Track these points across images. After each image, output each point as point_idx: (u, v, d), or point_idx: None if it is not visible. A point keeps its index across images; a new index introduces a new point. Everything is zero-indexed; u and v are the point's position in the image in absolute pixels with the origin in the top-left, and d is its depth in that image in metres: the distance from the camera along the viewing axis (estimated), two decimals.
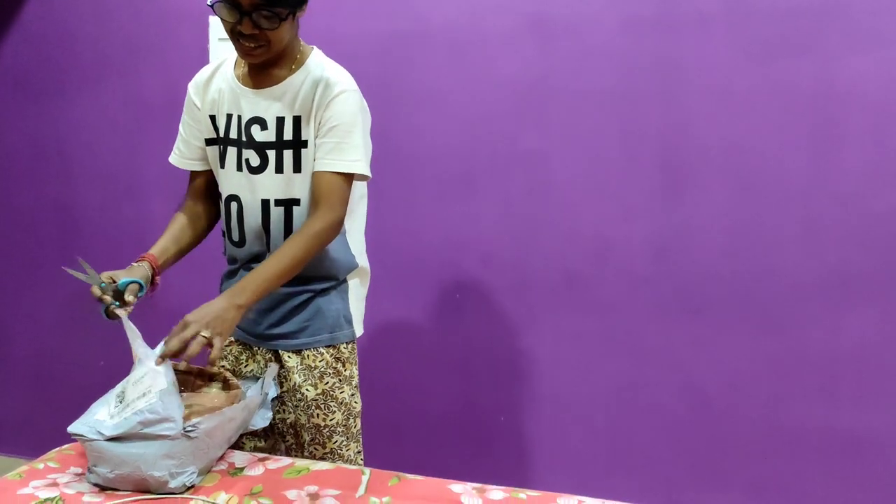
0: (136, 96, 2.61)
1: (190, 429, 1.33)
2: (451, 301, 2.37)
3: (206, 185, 1.76)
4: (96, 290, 1.49)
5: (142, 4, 2.55)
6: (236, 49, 1.56)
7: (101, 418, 1.36)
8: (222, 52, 2.41)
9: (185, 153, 1.74)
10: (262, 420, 1.56)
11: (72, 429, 1.34)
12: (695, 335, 2.18)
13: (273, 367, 1.60)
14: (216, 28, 2.42)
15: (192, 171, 1.76)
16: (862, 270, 2.03)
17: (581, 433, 2.31)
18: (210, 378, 1.58)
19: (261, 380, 1.59)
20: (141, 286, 1.52)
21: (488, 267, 2.32)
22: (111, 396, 1.41)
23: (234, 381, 1.55)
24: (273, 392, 1.61)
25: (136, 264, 1.58)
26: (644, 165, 2.16)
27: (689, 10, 2.08)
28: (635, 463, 2.28)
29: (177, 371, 1.55)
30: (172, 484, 1.33)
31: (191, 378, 1.55)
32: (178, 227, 1.71)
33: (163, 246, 1.65)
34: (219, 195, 1.73)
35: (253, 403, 1.50)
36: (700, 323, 2.17)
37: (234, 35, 1.51)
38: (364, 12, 2.32)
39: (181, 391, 1.48)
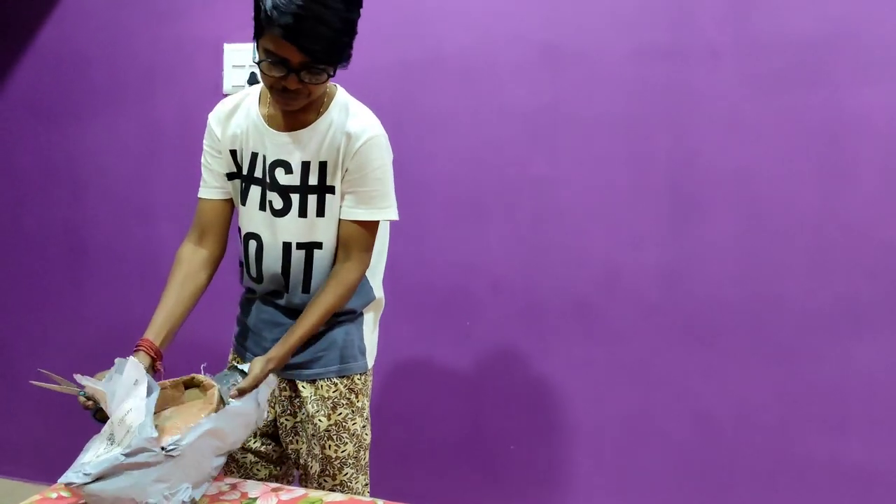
0: (150, 122, 2.63)
1: (171, 448, 1.31)
2: (460, 327, 2.37)
3: (220, 217, 1.71)
4: (82, 399, 1.44)
5: (157, 31, 2.58)
6: (274, 97, 1.52)
7: (87, 461, 1.35)
8: (236, 78, 2.44)
9: (212, 183, 1.69)
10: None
11: (62, 479, 1.33)
12: (704, 364, 2.18)
13: (272, 379, 1.54)
14: (231, 55, 2.44)
15: (205, 201, 1.70)
16: (872, 301, 2.03)
17: (591, 461, 2.30)
18: (186, 386, 1.54)
19: (255, 391, 1.49)
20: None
21: (498, 293, 2.33)
22: (99, 439, 1.40)
23: (207, 381, 1.49)
24: (265, 391, 1.55)
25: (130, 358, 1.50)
26: (654, 193, 2.17)
27: (699, 39, 2.09)
28: (645, 492, 2.26)
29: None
30: None
31: (167, 391, 1.49)
32: (183, 283, 1.64)
33: (161, 322, 1.57)
34: (227, 229, 1.72)
35: (242, 412, 1.44)
36: (709, 351, 2.17)
37: (277, 88, 1.48)
38: (376, 40, 2.34)
39: (165, 408, 1.46)
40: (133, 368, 1.37)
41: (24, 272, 2.88)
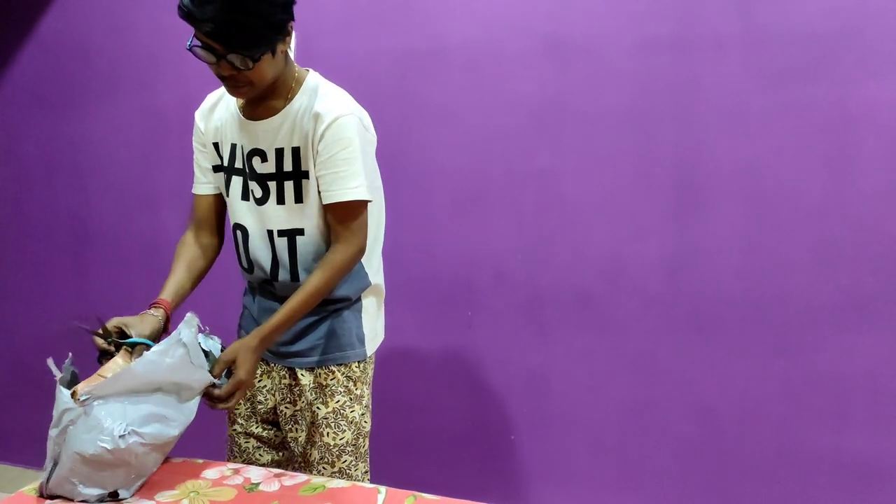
0: (152, 109, 2.63)
1: (84, 397, 1.34)
2: (462, 318, 2.38)
3: (212, 211, 1.75)
4: (100, 342, 1.47)
5: (159, 19, 2.58)
6: (225, 88, 1.54)
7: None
8: None
9: (201, 179, 1.74)
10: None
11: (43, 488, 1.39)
12: (706, 356, 2.18)
13: (190, 318, 1.47)
14: None
15: (198, 197, 1.75)
16: (875, 294, 2.03)
17: (591, 453, 2.31)
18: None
19: (175, 333, 1.44)
20: (149, 347, 1.47)
21: (500, 285, 2.33)
22: None
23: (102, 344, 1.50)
24: (208, 345, 1.53)
25: (151, 312, 1.55)
26: (658, 185, 2.17)
27: (705, 32, 2.09)
28: (645, 484, 2.27)
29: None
30: (111, 445, 1.32)
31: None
32: (188, 264, 1.69)
33: (177, 287, 1.64)
34: (224, 221, 1.75)
35: (163, 353, 1.40)
36: (712, 344, 2.17)
37: (218, 76, 1.50)
38: (381, 31, 2.34)
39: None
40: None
41: (27, 260, 2.89)
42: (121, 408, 1.36)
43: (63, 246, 2.82)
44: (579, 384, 2.30)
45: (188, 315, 1.47)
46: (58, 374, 1.40)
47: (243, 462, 1.73)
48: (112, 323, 1.49)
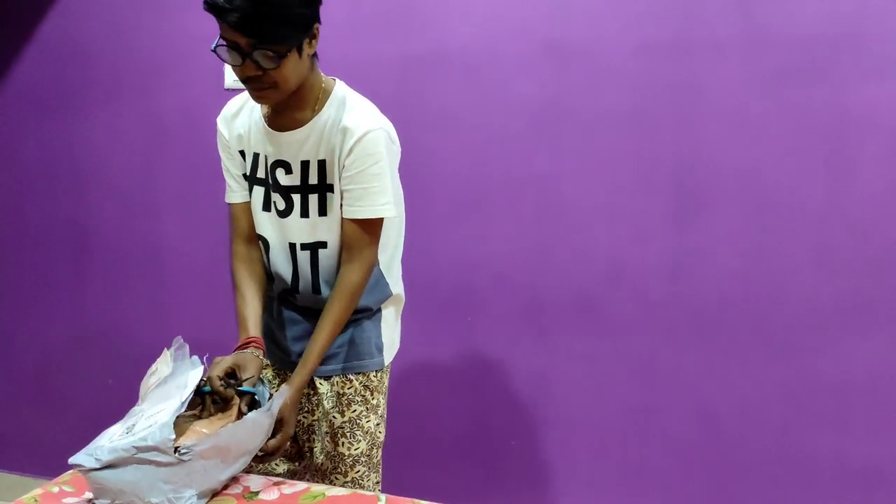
0: (152, 115, 2.62)
1: (184, 451, 1.31)
2: (462, 323, 2.37)
3: (252, 219, 1.69)
4: (217, 384, 1.46)
5: (160, 24, 2.57)
6: (248, 91, 1.50)
7: (102, 444, 1.34)
8: None
9: (235, 186, 1.68)
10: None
11: (73, 459, 1.32)
12: (707, 359, 2.17)
13: (284, 389, 1.54)
14: None
15: (235, 206, 1.69)
16: (876, 297, 2.03)
17: (593, 457, 2.30)
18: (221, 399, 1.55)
19: (269, 401, 1.50)
20: (254, 396, 1.49)
21: (501, 289, 2.32)
22: (118, 427, 1.40)
23: (229, 391, 1.50)
24: (278, 402, 1.56)
25: (251, 352, 1.54)
26: (658, 189, 2.17)
27: (705, 35, 2.08)
28: (646, 487, 2.26)
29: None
30: None
31: (196, 399, 1.50)
32: (257, 289, 1.66)
33: (256, 319, 1.63)
34: None
35: (257, 423, 1.43)
36: (712, 347, 2.16)
37: (242, 78, 1.45)
38: (380, 35, 2.34)
39: (195, 416, 1.47)
40: (193, 376, 1.40)
41: (26, 266, 2.88)
42: (200, 475, 1.34)
43: (63, 252, 2.82)
44: (580, 387, 2.29)
45: (283, 388, 1.51)
46: (174, 350, 1.42)
47: (259, 472, 1.72)
48: (224, 364, 1.49)
